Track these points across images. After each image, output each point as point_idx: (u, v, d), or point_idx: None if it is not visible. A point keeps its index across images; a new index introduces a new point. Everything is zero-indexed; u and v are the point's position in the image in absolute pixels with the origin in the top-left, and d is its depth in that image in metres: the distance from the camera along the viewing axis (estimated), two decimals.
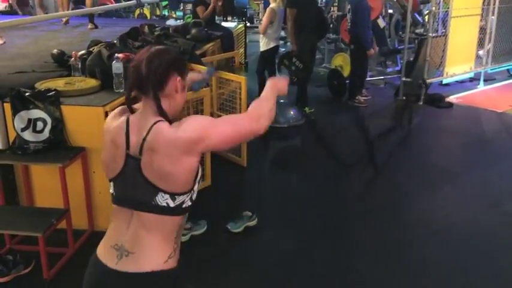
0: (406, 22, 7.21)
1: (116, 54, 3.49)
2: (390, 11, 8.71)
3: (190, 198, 1.53)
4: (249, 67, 7.67)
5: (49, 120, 3.11)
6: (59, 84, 3.44)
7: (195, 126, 1.46)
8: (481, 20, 7.51)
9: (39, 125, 3.11)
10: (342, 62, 7.92)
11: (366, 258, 3.23)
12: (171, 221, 1.51)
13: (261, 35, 6.32)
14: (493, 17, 7.60)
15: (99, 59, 3.64)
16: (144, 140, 1.46)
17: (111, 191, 1.58)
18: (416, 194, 4.17)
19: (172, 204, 1.49)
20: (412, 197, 4.12)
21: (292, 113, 5.89)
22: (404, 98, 6.95)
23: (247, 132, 1.56)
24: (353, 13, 6.48)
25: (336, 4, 10.24)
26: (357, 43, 6.56)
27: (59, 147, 3.15)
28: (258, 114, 1.59)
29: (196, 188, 1.54)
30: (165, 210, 1.49)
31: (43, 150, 3.11)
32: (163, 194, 1.48)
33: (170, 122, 1.49)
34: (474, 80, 8.11)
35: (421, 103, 6.82)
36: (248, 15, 11.02)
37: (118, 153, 1.52)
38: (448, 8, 7.05)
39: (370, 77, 7.79)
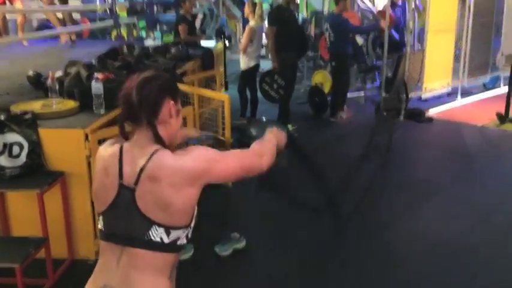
0: (383, 39, 7.29)
1: (95, 74, 3.39)
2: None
3: (186, 236, 1.46)
4: (230, 86, 7.60)
5: (26, 144, 2.98)
6: (36, 106, 3.31)
7: (203, 157, 1.43)
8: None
9: (16, 149, 2.98)
10: (321, 79, 7.94)
11: (356, 277, 3.16)
12: (164, 258, 1.42)
13: (241, 54, 6.28)
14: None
15: (78, 79, 3.53)
16: (142, 169, 1.38)
17: (100, 226, 1.48)
18: (403, 210, 4.12)
19: (166, 240, 1.40)
20: (400, 214, 4.06)
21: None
22: (385, 113, 6.98)
23: (251, 167, 1.59)
24: (333, 30, 6.51)
25: (313, 22, 10.32)
26: (338, 60, 6.58)
27: (37, 172, 3.02)
28: (260, 153, 1.64)
29: (192, 224, 1.48)
30: (158, 246, 1.40)
31: (20, 175, 2.98)
32: (157, 228, 1.39)
33: (168, 149, 1.42)
34: (451, 94, 8.22)
35: (401, 118, 6.85)
36: (227, 34, 11.00)
37: (110, 182, 1.43)
38: (424, 23, 7.17)
39: (350, 92, 7.81)
